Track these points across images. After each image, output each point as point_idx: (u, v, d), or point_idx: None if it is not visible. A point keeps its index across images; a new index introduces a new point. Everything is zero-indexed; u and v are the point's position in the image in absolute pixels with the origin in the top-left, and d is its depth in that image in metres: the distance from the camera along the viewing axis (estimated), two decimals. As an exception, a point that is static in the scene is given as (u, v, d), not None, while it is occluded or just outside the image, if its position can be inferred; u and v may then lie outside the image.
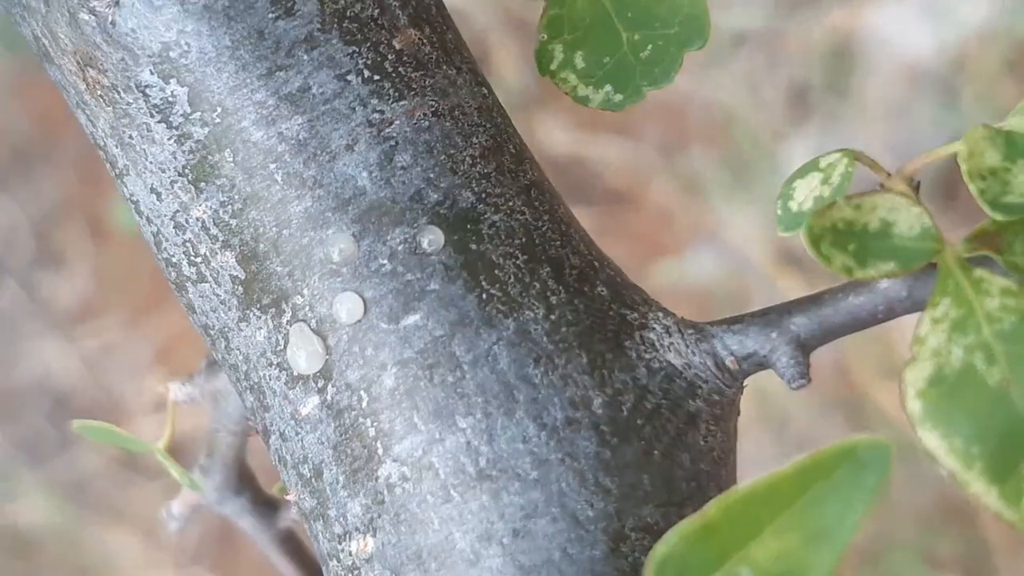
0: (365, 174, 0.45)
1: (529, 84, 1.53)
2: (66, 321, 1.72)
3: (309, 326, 0.45)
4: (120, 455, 1.66)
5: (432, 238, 0.45)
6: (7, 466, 1.67)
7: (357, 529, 0.45)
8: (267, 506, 0.63)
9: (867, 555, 1.52)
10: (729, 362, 0.46)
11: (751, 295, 1.58)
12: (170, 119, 0.45)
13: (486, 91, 0.48)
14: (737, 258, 1.62)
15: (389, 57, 0.46)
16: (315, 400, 0.45)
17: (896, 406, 1.51)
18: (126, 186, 0.47)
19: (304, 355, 0.45)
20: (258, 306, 0.46)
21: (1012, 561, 1.52)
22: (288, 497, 0.47)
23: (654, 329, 0.46)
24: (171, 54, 0.45)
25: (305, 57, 0.45)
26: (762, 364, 0.46)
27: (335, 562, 0.46)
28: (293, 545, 0.63)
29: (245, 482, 0.62)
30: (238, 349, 0.47)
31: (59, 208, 1.75)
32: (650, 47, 0.49)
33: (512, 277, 0.45)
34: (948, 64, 1.61)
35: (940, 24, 1.60)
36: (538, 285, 0.45)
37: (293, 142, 0.45)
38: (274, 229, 0.45)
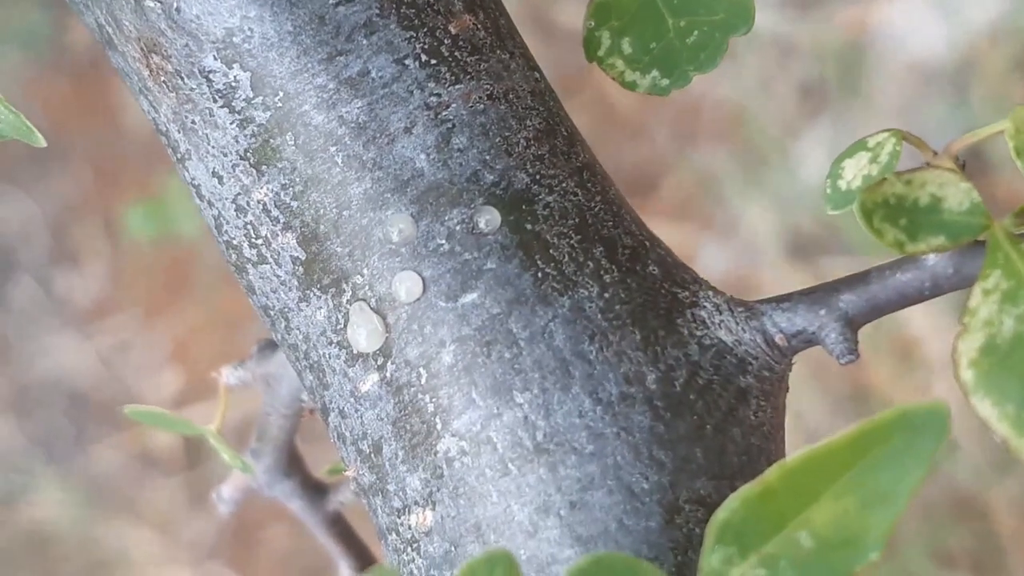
0: (423, 156, 0.46)
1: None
2: (82, 318, 1.72)
3: (369, 305, 0.46)
4: (137, 452, 1.67)
5: (489, 218, 0.46)
6: (24, 462, 1.68)
7: (416, 503, 0.46)
8: (316, 489, 0.64)
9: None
10: (778, 339, 0.47)
11: (763, 290, 1.59)
12: (233, 103, 0.46)
13: (538, 75, 0.49)
14: (749, 254, 1.63)
15: (445, 42, 0.47)
16: (375, 377, 0.46)
17: (910, 399, 1.51)
18: (187, 170, 0.48)
19: (364, 333, 0.46)
20: (318, 286, 0.47)
21: (1023, 558, 1.53)
22: (347, 473, 0.48)
23: (705, 307, 0.47)
24: (234, 39, 0.46)
25: (364, 42, 0.46)
26: (811, 341, 0.47)
27: (394, 535, 0.47)
28: (342, 527, 0.64)
29: (294, 465, 0.62)
30: (298, 329, 0.48)
31: (75, 206, 1.75)
32: (696, 33, 0.50)
33: (567, 256, 0.46)
34: (958, 62, 1.62)
35: (950, 22, 1.61)
36: (592, 264, 0.46)
37: (353, 125, 0.46)
38: (334, 210, 0.46)
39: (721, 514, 0.38)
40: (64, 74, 1.75)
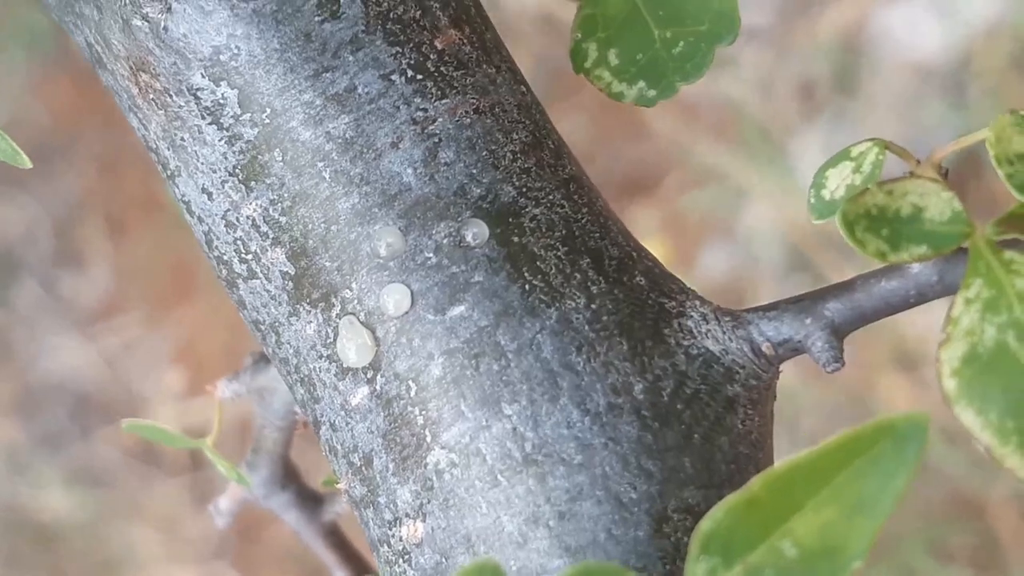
0: (410, 170, 0.46)
1: (541, 82, 1.54)
2: (86, 318, 1.73)
3: (358, 319, 0.46)
4: (141, 451, 1.67)
5: (476, 231, 0.46)
6: (30, 461, 1.68)
7: (407, 515, 0.46)
8: (312, 500, 0.64)
9: (877, 548, 1.53)
10: (765, 348, 0.47)
11: (762, 289, 1.59)
12: (221, 121, 0.47)
13: (524, 89, 0.49)
14: (748, 253, 1.63)
15: (431, 57, 0.47)
16: (364, 390, 0.47)
17: (907, 401, 1.52)
18: (177, 187, 0.49)
19: (354, 347, 0.46)
20: (308, 300, 0.47)
21: (1021, 554, 1.53)
22: (339, 486, 0.49)
23: (691, 317, 0.47)
24: (221, 57, 0.46)
25: (351, 58, 0.46)
26: (797, 349, 0.47)
27: (386, 547, 0.47)
28: (337, 538, 0.65)
29: (290, 476, 0.63)
30: (288, 343, 0.48)
31: (78, 206, 1.76)
32: (682, 43, 0.51)
33: (554, 268, 0.46)
34: (955, 61, 1.62)
35: (947, 21, 1.61)
36: (579, 276, 0.46)
37: (340, 141, 0.46)
38: (323, 225, 0.46)
39: (706, 524, 0.38)
40: (67, 75, 1.76)
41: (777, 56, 1.66)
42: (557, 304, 0.46)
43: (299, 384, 0.48)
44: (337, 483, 0.49)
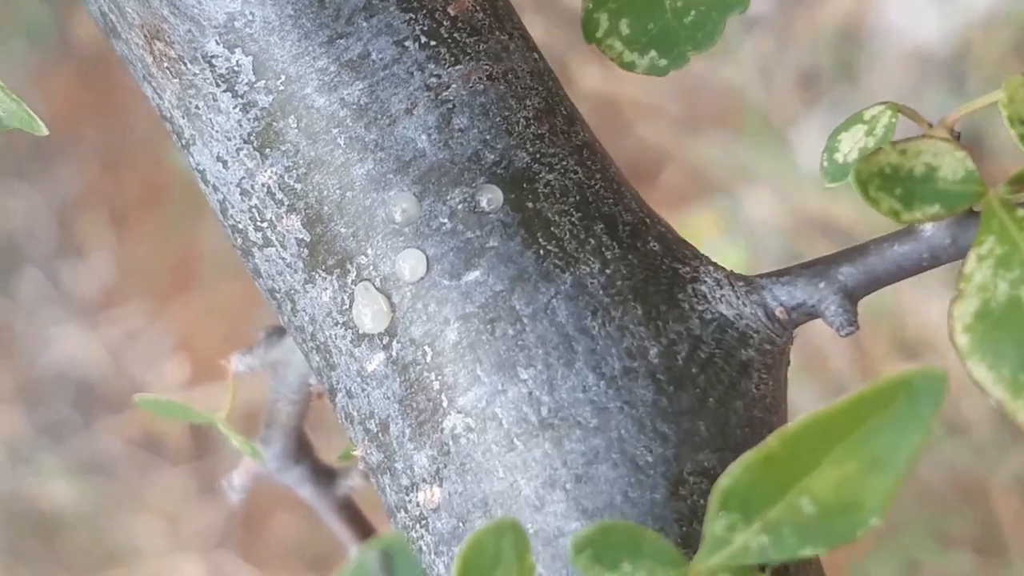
0: (424, 136, 0.46)
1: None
2: (89, 309, 1.73)
3: (374, 285, 0.46)
4: (143, 441, 1.67)
5: (491, 197, 0.46)
6: (32, 452, 1.69)
7: (424, 480, 0.46)
8: (326, 474, 0.64)
9: (879, 533, 1.54)
10: (779, 312, 0.47)
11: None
12: (235, 88, 0.47)
13: (537, 56, 0.49)
14: (749, 241, 1.64)
15: (444, 23, 0.47)
16: (380, 356, 0.47)
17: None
18: (192, 156, 0.49)
19: (369, 313, 0.47)
20: (323, 267, 0.47)
21: (1023, 539, 1.53)
22: (355, 453, 0.49)
23: (705, 282, 0.47)
24: (236, 24, 0.46)
25: (364, 24, 0.46)
26: (811, 314, 0.47)
27: (403, 513, 0.47)
28: (351, 512, 0.64)
29: (304, 451, 0.62)
30: (304, 311, 0.48)
31: (81, 197, 1.76)
32: (693, 13, 0.51)
33: (568, 233, 0.47)
34: (954, 49, 1.63)
35: (946, 9, 1.62)
36: (593, 241, 0.47)
37: (354, 107, 0.46)
38: (338, 192, 0.47)
39: (724, 481, 0.38)
40: (69, 67, 1.76)
41: (778, 44, 1.66)
42: (572, 269, 0.46)
43: (315, 352, 0.49)
44: (352, 456, 0.49)
